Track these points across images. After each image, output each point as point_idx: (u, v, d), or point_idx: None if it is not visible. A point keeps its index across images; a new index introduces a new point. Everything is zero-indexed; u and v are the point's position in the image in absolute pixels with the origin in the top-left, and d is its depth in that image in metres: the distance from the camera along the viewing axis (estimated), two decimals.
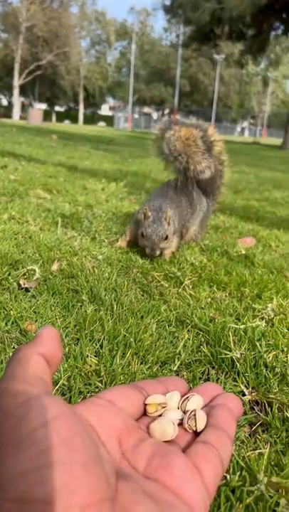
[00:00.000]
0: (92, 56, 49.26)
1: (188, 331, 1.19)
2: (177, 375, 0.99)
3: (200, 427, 0.64)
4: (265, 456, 0.75)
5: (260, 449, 0.79)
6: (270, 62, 33.15)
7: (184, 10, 19.86)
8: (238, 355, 1.05)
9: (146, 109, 54.08)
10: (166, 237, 1.73)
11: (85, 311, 1.21)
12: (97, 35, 49.07)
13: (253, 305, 1.39)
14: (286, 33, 20.05)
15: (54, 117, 48.02)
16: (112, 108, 59.91)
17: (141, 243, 1.76)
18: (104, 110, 61.45)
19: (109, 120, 44.47)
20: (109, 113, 56.95)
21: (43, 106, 48.67)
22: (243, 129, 55.01)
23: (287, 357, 1.07)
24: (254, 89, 54.15)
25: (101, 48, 49.62)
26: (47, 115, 37.96)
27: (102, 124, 46.08)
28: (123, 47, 52.55)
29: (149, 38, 51.76)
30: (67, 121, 47.22)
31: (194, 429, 0.64)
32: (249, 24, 18.98)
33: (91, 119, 51.11)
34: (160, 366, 1.02)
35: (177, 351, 1.07)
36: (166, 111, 51.03)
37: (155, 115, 53.13)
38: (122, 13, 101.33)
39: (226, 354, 1.05)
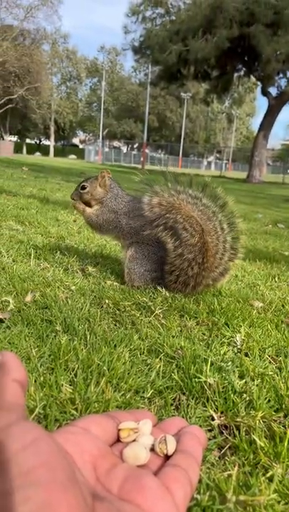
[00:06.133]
0: (63, 92, 50.32)
1: (160, 359, 1.23)
2: (150, 401, 1.03)
3: (170, 449, 0.68)
4: (234, 477, 0.79)
5: (229, 470, 0.82)
6: (233, 101, 34.78)
7: (152, 51, 20.75)
8: (212, 382, 1.09)
9: (115, 143, 55.21)
10: (83, 188, 1.91)
11: (59, 341, 1.23)
12: (68, 71, 50.34)
13: (222, 332, 1.45)
14: (248, 75, 21.25)
15: (25, 149, 48.27)
16: (82, 141, 60.86)
17: None
18: (75, 143, 62.34)
19: (80, 153, 45.05)
20: (80, 146, 57.79)
21: (14, 138, 48.94)
22: (209, 163, 56.80)
23: (254, 383, 1.13)
24: (219, 125, 56.50)
25: (72, 83, 50.81)
26: (18, 147, 38.01)
27: (72, 156, 46.57)
28: (93, 83, 54.03)
29: (119, 75, 53.49)
30: (38, 154, 47.54)
31: (165, 452, 0.67)
32: (214, 65, 20.02)
33: (62, 151, 51.60)
34: (133, 393, 1.05)
35: (151, 379, 1.11)
36: (136, 145, 52.23)
37: (124, 149, 54.24)
38: (92, 51, 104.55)
39: (198, 379, 1.09)
